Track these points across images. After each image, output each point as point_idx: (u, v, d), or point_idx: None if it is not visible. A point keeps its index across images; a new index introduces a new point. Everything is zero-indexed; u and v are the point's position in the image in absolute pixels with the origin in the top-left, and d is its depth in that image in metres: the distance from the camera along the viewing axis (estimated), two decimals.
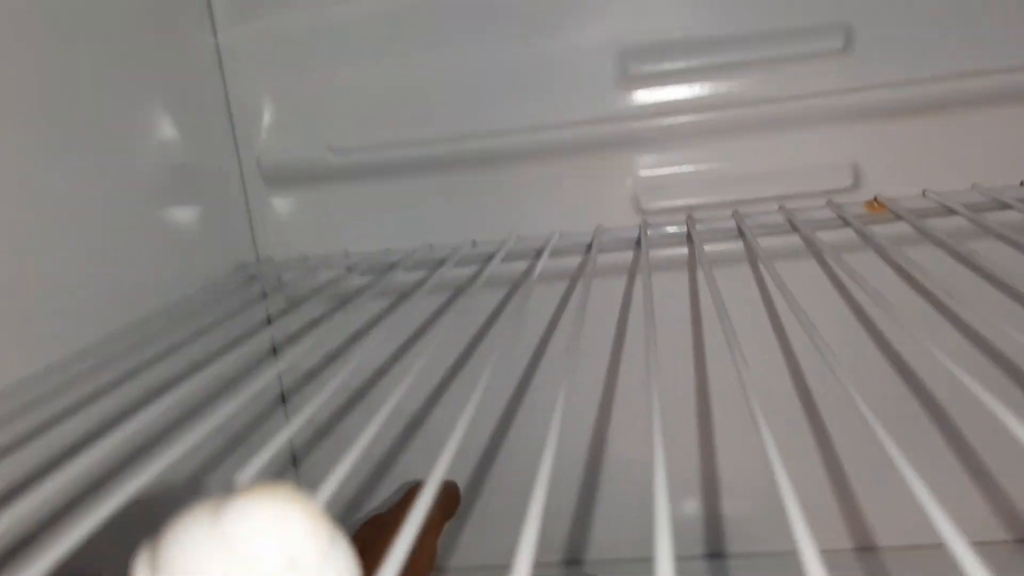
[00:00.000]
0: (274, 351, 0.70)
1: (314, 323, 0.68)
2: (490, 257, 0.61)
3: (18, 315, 0.44)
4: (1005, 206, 0.57)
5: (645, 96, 0.65)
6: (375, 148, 0.67)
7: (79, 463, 0.31)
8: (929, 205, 0.60)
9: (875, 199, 0.62)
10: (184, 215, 0.61)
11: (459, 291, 0.69)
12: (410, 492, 0.63)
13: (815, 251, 0.64)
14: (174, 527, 0.23)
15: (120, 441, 0.33)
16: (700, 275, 0.67)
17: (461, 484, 0.71)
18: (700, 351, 0.68)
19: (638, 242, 0.61)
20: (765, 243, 0.63)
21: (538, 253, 0.64)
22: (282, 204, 0.71)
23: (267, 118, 0.69)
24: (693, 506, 0.72)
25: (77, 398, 0.39)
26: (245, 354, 0.45)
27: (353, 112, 0.68)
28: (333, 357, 0.71)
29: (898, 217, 0.57)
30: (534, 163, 0.67)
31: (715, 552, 0.73)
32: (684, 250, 0.67)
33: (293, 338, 0.69)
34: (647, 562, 0.24)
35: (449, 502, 0.64)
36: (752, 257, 0.66)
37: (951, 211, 0.57)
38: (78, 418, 0.38)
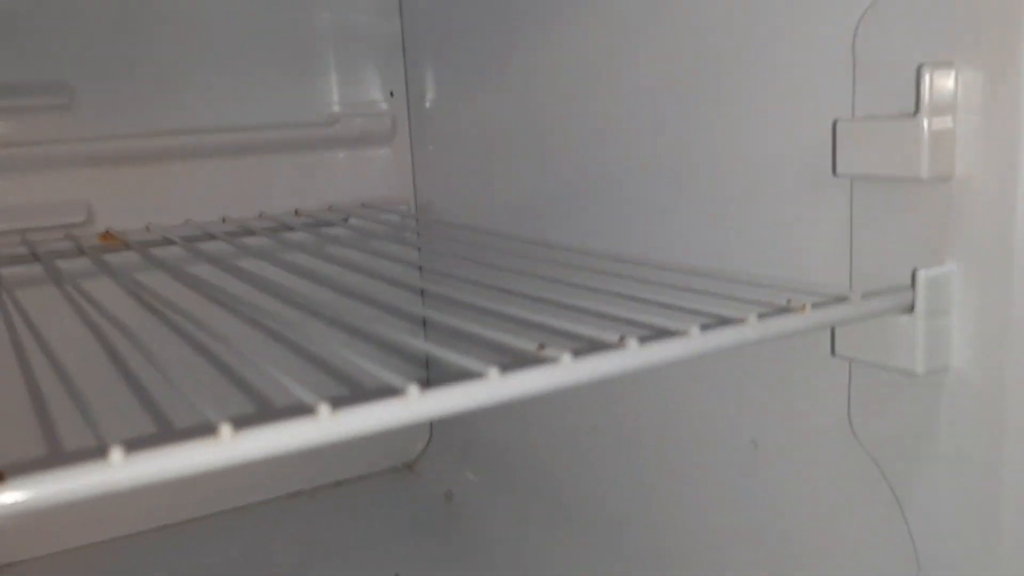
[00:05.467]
0: None
1: None
2: None
3: None
4: (211, 236, 0.73)
5: None
6: None
7: None
8: (153, 237, 0.73)
9: (108, 232, 0.73)
10: None
11: None
12: None
13: (55, 278, 0.72)
14: None
15: None
16: None
17: None
18: None
19: None
20: (9, 272, 0.69)
21: None
22: None
23: None
24: None
25: None
26: None
27: None
28: None
29: (128, 247, 0.69)
30: None
31: None
32: None
33: None
34: None
35: None
36: None
37: (170, 241, 0.71)
38: None
